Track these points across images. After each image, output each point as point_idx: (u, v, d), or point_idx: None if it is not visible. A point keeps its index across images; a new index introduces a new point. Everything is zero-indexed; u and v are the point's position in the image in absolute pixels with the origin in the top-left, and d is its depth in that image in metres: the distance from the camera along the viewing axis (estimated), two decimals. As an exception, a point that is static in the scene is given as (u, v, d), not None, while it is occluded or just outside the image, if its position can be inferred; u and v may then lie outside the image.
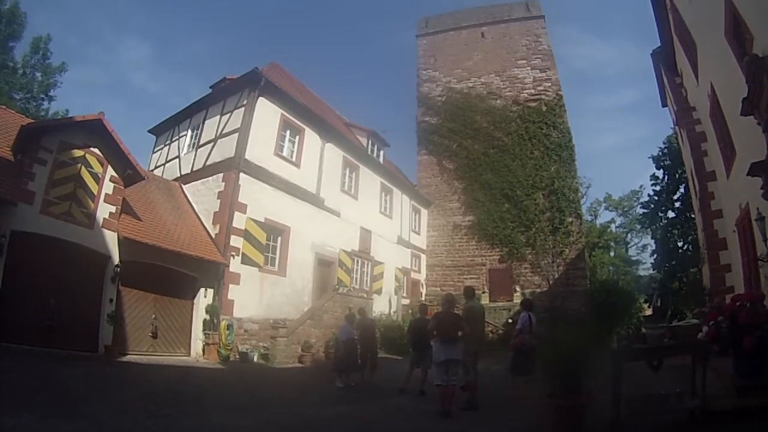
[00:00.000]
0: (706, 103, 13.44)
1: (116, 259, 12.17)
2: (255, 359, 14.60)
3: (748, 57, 7.69)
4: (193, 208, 16.34)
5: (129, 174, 12.80)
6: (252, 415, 7.22)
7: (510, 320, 22.14)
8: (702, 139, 15.41)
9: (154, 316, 13.14)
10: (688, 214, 29.72)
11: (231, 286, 15.08)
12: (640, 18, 60.27)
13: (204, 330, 14.12)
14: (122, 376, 10.01)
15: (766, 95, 7.32)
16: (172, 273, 13.64)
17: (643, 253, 51.16)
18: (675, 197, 33.30)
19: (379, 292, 23.23)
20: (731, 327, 5.91)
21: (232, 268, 15.13)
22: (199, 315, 14.26)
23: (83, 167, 11.83)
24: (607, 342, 6.96)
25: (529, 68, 29.79)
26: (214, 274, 14.74)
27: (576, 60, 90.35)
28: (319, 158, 20.01)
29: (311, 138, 19.63)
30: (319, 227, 19.40)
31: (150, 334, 12.99)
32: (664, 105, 24.09)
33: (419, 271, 28.06)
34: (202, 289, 14.53)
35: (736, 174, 11.21)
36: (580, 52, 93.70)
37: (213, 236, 15.40)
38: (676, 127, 22.01)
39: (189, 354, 13.92)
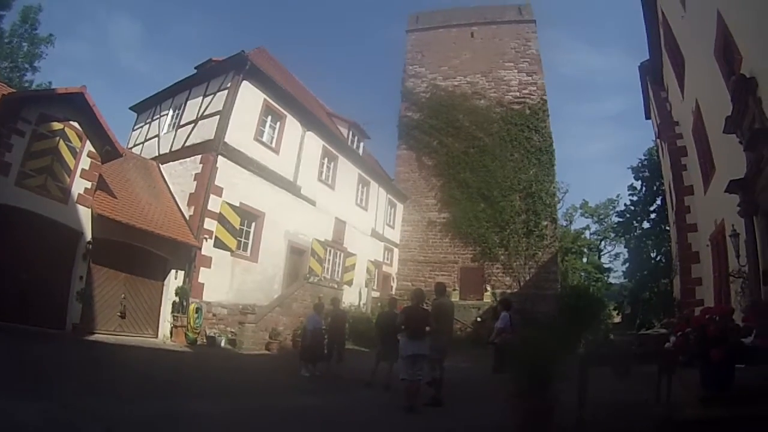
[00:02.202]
0: (690, 119, 13.84)
1: (89, 236, 12.23)
2: (222, 344, 14.78)
3: (736, 77, 8.00)
4: (169, 189, 16.39)
5: (107, 150, 12.82)
6: (216, 401, 7.31)
7: (479, 318, 22.58)
8: (682, 154, 15.86)
9: (123, 295, 13.22)
10: (663, 226, 30.45)
11: (202, 269, 15.20)
12: (631, 30, 61.44)
13: (173, 312, 14.26)
14: (89, 355, 10.05)
15: (750, 115, 7.66)
16: (144, 253, 13.73)
17: (615, 261, 51.84)
18: (651, 208, 34.07)
19: (350, 283, 23.51)
20: (700, 339, 6.17)
21: (204, 251, 15.25)
22: (169, 297, 14.38)
23: (61, 141, 11.83)
24: (575, 346, 7.12)
25: (516, 71, 30.17)
26: (185, 256, 14.86)
27: (564, 66, 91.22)
28: (298, 146, 20.16)
29: (292, 125, 19.76)
30: (293, 215, 19.57)
31: (118, 313, 13.08)
32: (648, 117, 24.66)
33: (391, 265, 28.42)
34: (173, 271, 14.63)
35: (714, 190, 11.59)
36: (569, 59, 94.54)
37: (187, 218, 15.49)
38: (658, 140, 22.53)
39: (156, 336, 14.06)
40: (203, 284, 15.18)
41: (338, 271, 23.14)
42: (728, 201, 9.38)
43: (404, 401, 7.69)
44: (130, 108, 21.30)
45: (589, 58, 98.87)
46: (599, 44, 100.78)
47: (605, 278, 49.79)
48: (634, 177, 35.25)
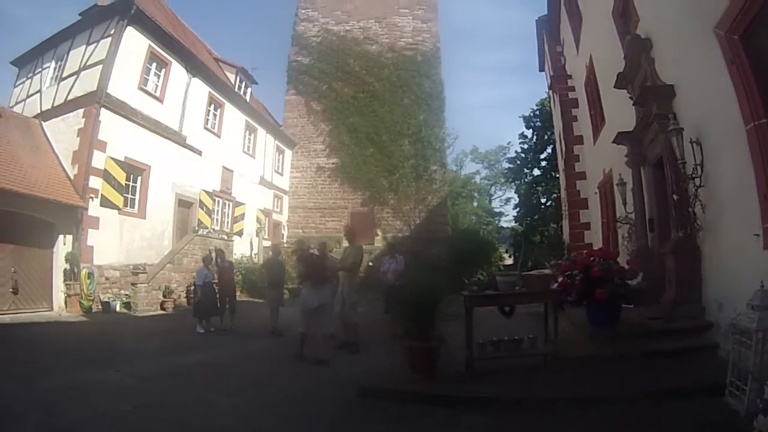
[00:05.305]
0: (583, 73, 15.37)
1: (-31, 208, 11.74)
2: (117, 309, 14.91)
3: (631, 36, 9.20)
4: (53, 148, 15.69)
5: (-16, 111, 12.22)
6: (114, 368, 7.57)
7: (370, 263, 23.96)
8: (574, 105, 17.61)
9: (13, 269, 12.88)
10: (553, 174, 33.10)
11: (90, 231, 15.05)
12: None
13: (65, 281, 14.11)
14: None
15: (642, 73, 8.89)
16: (30, 220, 13.36)
17: (506, 205, 55.27)
18: (542, 156, 36.81)
19: (240, 233, 23.93)
20: (585, 280, 6.98)
21: (90, 212, 15.05)
22: (59, 265, 14.17)
23: (-67, 104, 11.17)
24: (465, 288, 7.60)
25: (410, 17, 30.63)
26: (72, 218, 14.57)
27: (461, 15, 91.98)
28: (184, 93, 19.87)
29: (177, 72, 19.41)
30: (180, 166, 19.53)
31: (11, 290, 12.76)
32: (542, 69, 26.60)
33: (281, 213, 28.97)
34: (61, 236, 14.35)
35: (603, 141, 13.12)
36: (467, 8, 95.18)
37: (71, 178, 15.06)
38: (550, 91, 24.44)
39: (52, 308, 13.88)
40: (92, 247, 15.08)
41: (228, 222, 23.45)
42: (616, 151, 10.78)
43: (309, 352, 7.98)
44: (12, 62, 19.67)
45: (487, 9, 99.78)
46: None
47: (496, 222, 52.97)
48: (526, 126, 37.85)
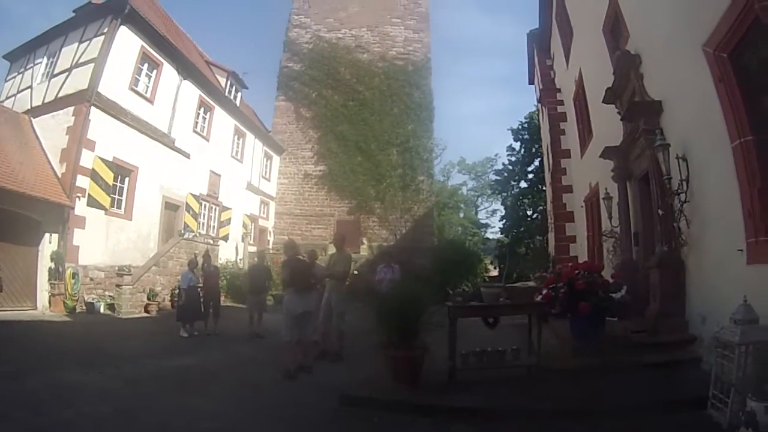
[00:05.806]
0: (572, 87, 15.44)
1: (-45, 203, 11.60)
2: (101, 310, 14.76)
3: (620, 52, 9.26)
4: (41, 145, 15.54)
5: (-28, 106, 12.07)
6: (97, 370, 7.49)
7: (356, 272, 23.85)
8: (562, 119, 17.71)
9: None
10: (539, 186, 33.27)
11: (76, 230, 14.92)
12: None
13: (49, 280, 13.95)
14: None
15: (630, 88, 8.95)
16: (16, 217, 13.21)
17: (492, 217, 55.72)
18: (529, 169, 36.93)
19: (226, 238, 23.80)
20: (569, 292, 6.98)
21: (77, 211, 14.92)
22: (44, 263, 14.01)
23: None
24: (450, 298, 7.14)
25: (402, 27, 30.87)
26: (58, 217, 14.42)
27: (453, 26, 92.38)
28: (174, 96, 19.80)
29: (169, 74, 19.36)
30: (168, 168, 19.42)
31: None
32: (531, 83, 26.75)
33: (267, 219, 28.83)
34: (47, 235, 14.20)
35: (590, 155, 13.19)
36: (458, 19, 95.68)
37: (59, 176, 14.92)
38: (539, 105, 24.57)
39: (36, 307, 13.73)
40: (78, 247, 14.94)
41: (214, 226, 23.30)
42: (603, 166, 10.82)
43: (293, 360, 7.56)
44: (3, 57, 19.51)
45: (478, 22, 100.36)
46: (491, 10, 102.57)
47: (482, 233, 52.91)
48: (514, 138, 37.94)
